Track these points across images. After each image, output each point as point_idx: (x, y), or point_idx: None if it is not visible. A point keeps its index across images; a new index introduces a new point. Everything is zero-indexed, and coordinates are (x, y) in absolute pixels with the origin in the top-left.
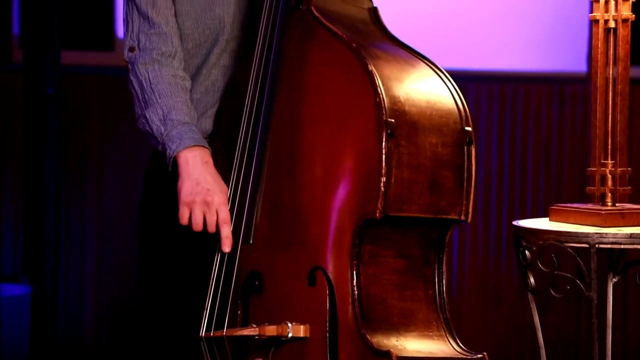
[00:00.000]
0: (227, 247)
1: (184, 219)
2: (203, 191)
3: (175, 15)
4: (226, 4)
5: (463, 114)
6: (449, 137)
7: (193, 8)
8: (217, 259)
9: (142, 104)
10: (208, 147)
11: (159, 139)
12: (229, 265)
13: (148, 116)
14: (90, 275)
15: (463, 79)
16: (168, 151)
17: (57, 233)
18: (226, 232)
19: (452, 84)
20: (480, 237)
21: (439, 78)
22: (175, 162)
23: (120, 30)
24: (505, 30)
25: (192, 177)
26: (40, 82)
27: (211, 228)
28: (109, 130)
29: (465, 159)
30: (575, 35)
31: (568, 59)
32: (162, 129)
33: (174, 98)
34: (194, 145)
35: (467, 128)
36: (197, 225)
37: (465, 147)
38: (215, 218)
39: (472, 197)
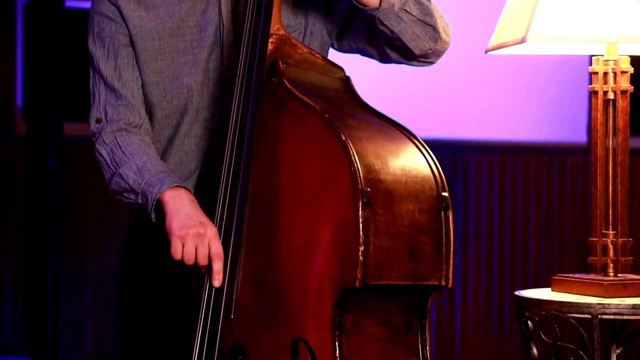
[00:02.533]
0: (217, 282)
1: (177, 252)
2: (196, 224)
3: (143, 85)
4: (193, 73)
5: (439, 179)
6: (426, 204)
7: (160, 78)
8: (199, 333)
9: (113, 166)
10: (190, 189)
11: (137, 189)
12: (210, 339)
13: (122, 172)
14: (88, 348)
15: (464, 149)
16: (150, 196)
17: (57, 306)
18: (218, 266)
19: (426, 150)
20: (482, 308)
21: (413, 145)
22: (159, 207)
23: None
24: (506, 100)
25: (182, 211)
26: (42, 153)
27: (203, 261)
28: (108, 202)
29: (443, 225)
30: (575, 106)
31: (568, 129)
32: (140, 180)
33: (146, 155)
34: (176, 186)
35: (443, 194)
36: (189, 259)
37: (443, 213)
38: (208, 251)
39: (451, 262)
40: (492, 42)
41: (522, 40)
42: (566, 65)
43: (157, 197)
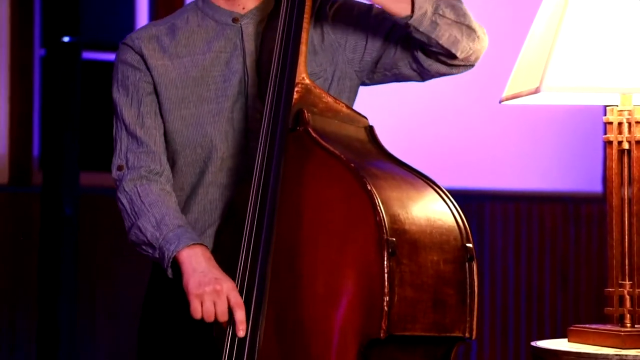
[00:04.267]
0: (241, 332)
1: (197, 312)
2: (212, 281)
3: (166, 133)
4: (217, 122)
5: (463, 230)
6: (450, 254)
7: (184, 126)
8: None
9: (133, 216)
10: (206, 245)
11: (154, 244)
12: None
13: (141, 225)
14: None
15: (479, 198)
16: (167, 253)
17: (71, 352)
18: (240, 316)
19: (450, 201)
20: (498, 358)
21: (438, 195)
22: (175, 264)
23: None
24: (521, 150)
25: (198, 270)
26: (58, 203)
27: (223, 317)
28: (123, 251)
29: (467, 276)
30: (590, 156)
31: (583, 179)
32: (157, 234)
33: (165, 207)
34: (193, 244)
35: (467, 244)
36: (209, 316)
37: (467, 264)
38: (226, 305)
39: (475, 313)
40: (507, 92)
41: (536, 91)
42: (581, 115)
43: (173, 255)
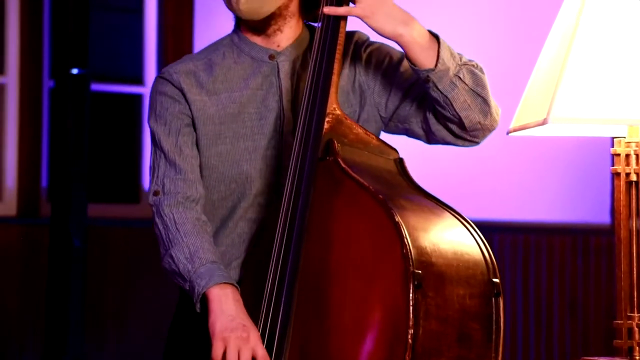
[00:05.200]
0: None
1: (218, 355)
2: (239, 327)
3: (202, 167)
4: (253, 160)
5: (490, 265)
6: (477, 289)
7: (219, 162)
8: None
9: (167, 243)
10: (238, 287)
11: (185, 276)
12: None
13: (174, 254)
14: None
15: (487, 230)
16: (197, 288)
17: None
18: None
19: (478, 235)
20: None
21: (466, 229)
22: (204, 300)
23: (146, 183)
24: (529, 181)
25: (226, 312)
26: (66, 235)
27: None
28: (131, 282)
29: (494, 311)
30: (599, 187)
31: (591, 210)
32: (190, 267)
33: (200, 238)
34: (224, 283)
35: (494, 279)
36: None
37: (493, 299)
38: (251, 355)
39: (500, 349)
40: (514, 124)
41: (544, 122)
42: (589, 146)
43: (203, 291)
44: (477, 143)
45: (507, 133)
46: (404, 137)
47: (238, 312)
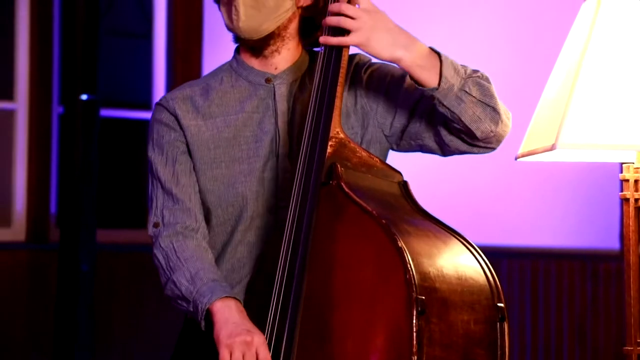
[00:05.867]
0: None
1: None
2: (243, 332)
3: (200, 192)
4: (248, 182)
5: (495, 290)
6: (481, 314)
7: (216, 186)
8: None
9: (168, 271)
10: (240, 300)
11: (188, 297)
12: None
13: (176, 279)
14: None
15: (495, 255)
16: (200, 306)
17: None
18: None
19: (483, 260)
20: None
21: (470, 253)
22: (208, 316)
23: None
24: (537, 207)
25: (230, 321)
26: (75, 260)
27: None
28: (138, 307)
29: (499, 336)
30: (607, 213)
31: (600, 236)
32: (192, 288)
33: (200, 261)
34: (226, 297)
35: (499, 304)
36: None
37: (498, 324)
38: (255, 358)
39: None
40: (522, 149)
41: (552, 148)
42: (597, 172)
43: (206, 307)
44: (494, 149)
45: (516, 158)
46: (411, 160)
47: (242, 319)
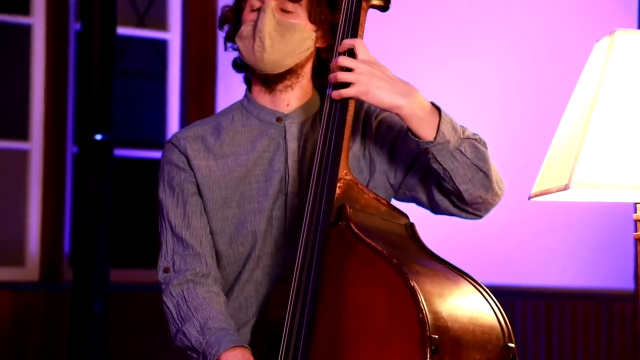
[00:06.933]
0: None
1: None
2: None
3: (211, 233)
4: (257, 220)
5: (505, 330)
6: (493, 354)
7: (227, 225)
8: None
9: (179, 322)
10: (248, 347)
11: (198, 349)
12: None
13: (186, 330)
14: None
15: (509, 295)
16: (209, 358)
17: None
18: None
19: (492, 300)
20: None
21: (480, 293)
22: None
23: None
24: (551, 246)
25: None
26: (88, 299)
27: None
28: (151, 347)
29: None
30: (622, 253)
31: (615, 276)
32: (201, 339)
33: (209, 308)
34: (233, 347)
35: (510, 344)
36: None
37: None
38: None
39: None
40: (536, 189)
41: (565, 187)
42: (611, 212)
43: (215, 359)
44: (480, 217)
45: (529, 198)
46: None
47: None
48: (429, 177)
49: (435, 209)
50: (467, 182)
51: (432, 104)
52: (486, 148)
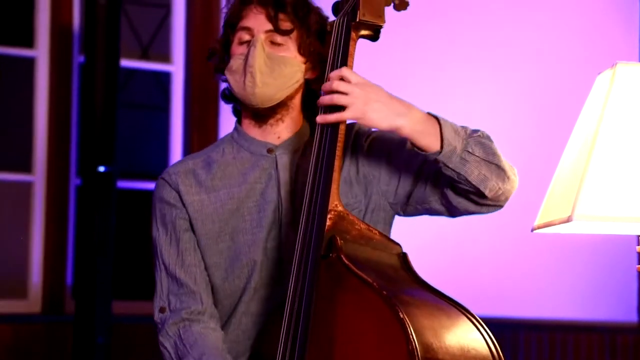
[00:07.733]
0: None
1: None
2: None
3: (206, 268)
4: (252, 253)
5: (497, 359)
6: None
7: (222, 259)
8: None
9: None
10: None
11: None
12: None
13: None
14: None
15: (512, 327)
16: None
17: None
18: None
19: (485, 330)
20: None
21: (472, 324)
22: None
23: None
24: (554, 278)
25: None
26: (90, 332)
27: None
28: None
29: None
30: (625, 285)
31: (618, 308)
32: None
33: (205, 345)
34: None
35: None
36: None
37: None
38: None
39: None
40: (538, 221)
41: (568, 220)
42: (614, 244)
43: None
44: (501, 207)
45: (532, 230)
46: (430, 229)
47: None
48: (441, 184)
49: (454, 212)
50: (484, 179)
51: (429, 113)
52: (491, 141)
